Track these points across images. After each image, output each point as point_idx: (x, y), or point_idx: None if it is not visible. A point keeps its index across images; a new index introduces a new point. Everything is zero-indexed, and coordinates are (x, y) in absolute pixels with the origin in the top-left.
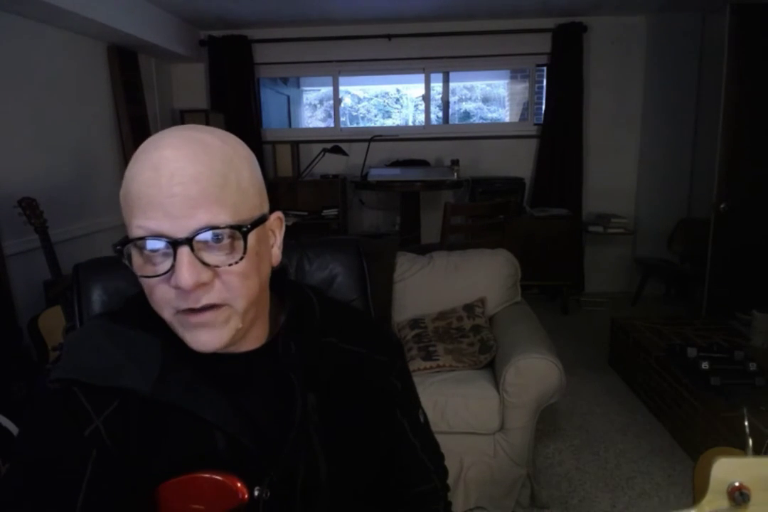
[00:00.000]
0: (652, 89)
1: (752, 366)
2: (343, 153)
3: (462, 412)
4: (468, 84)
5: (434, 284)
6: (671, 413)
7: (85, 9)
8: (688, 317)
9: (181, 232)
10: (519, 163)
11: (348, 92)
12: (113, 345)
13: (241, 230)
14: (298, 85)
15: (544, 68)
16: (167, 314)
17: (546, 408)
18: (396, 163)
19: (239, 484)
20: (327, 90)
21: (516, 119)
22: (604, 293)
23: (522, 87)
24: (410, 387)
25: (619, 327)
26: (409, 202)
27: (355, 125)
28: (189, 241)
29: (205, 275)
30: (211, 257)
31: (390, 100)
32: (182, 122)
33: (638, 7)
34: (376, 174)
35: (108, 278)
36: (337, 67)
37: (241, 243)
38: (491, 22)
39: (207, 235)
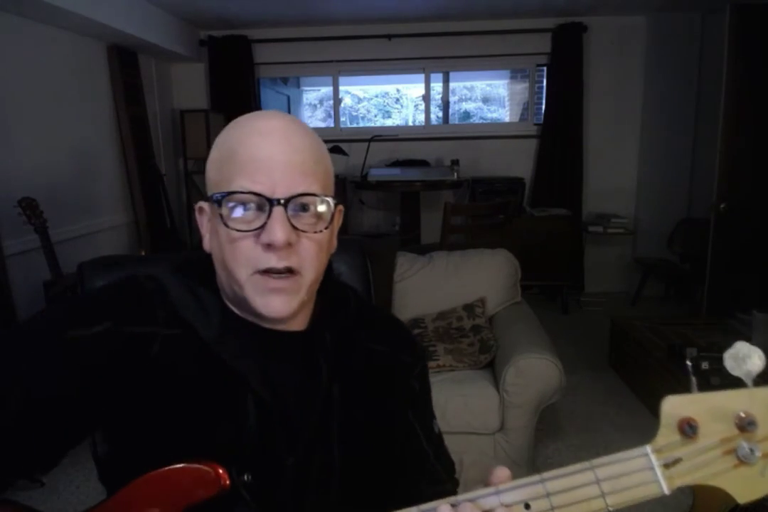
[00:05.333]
0: (651, 89)
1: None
2: (343, 153)
3: (462, 412)
4: (468, 84)
5: (434, 284)
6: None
7: (85, 9)
8: (688, 317)
9: (278, 193)
10: (519, 163)
11: (348, 92)
12: (188, 293)
13: (330, 201)
14: (298, 85)
15: (544, 68)
16: (243, 273)
17: (546, 408)
18: (396, 163)
19: (220, 470)
20: (327, 90)
21: (516, 119)
22: (604, 293)
23: (522, 87)
24: (427, 393)
25: (619, 327)
26: (409, 201)
27: (355, 125)
28: (285, 203)
29: (293, 236)
30: (299, 222)
31: (390, 100)
32: (182, 122)
33: (638, 7)
34: (376, 174)
35: (112, 276)
36: (337, 67)
37: (324, 214)
38: (491, 22)
39: (302, 200)
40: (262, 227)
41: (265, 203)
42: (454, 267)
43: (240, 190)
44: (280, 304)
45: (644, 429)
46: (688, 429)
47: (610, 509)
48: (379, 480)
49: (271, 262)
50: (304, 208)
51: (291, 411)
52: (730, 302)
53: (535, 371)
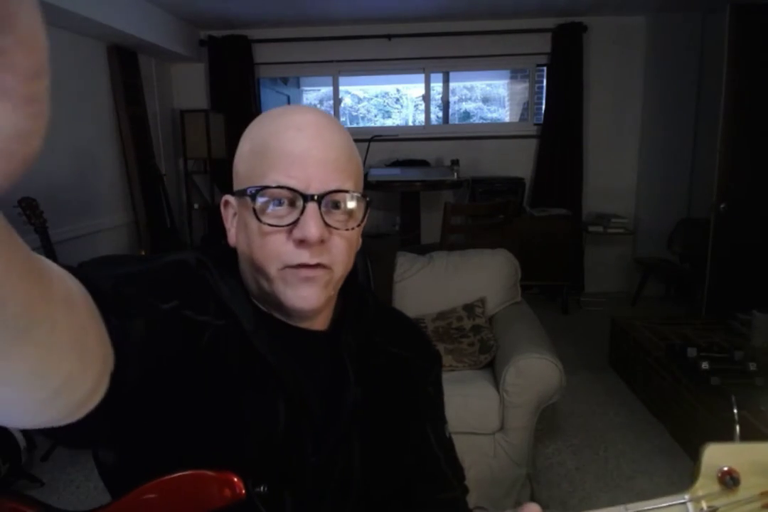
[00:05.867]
0: (651, 89)
1: (752, 366)
2: None
3: (462, 412)
4: (468, 84)
5: (434, 284)
6: (671, 413)
7: (85, 9)
8: (688, 317)
9: (312, 189)
10: (519, 162)
11: (348, 92)
12: (223, 283)
13: (364, 198)
14: (298, 85)
15: (544, 68)
16: (273, 268)
17: (546, 408)
18: (396, 163)
19: (235, 479)
20: (327, 90)
21: (516, 119)
22: (604, 293)
23: (522, 87)
24: (440, 397)
25: (619, 327)
26: (409, 201)
27: (355, 125)
28: (319, 199)
29: (326, 233)
30: (331, 219)
31: (390, 100)
32: (182, 122)
33: (638, 7)
34: (376, 174)
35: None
36: (337, 67)
37: (356, 212)
38: (491, 23)
39: (335, 196)
40: (295, 223)
41: (299, 198)
42: (454, 268)
43: (274, 184)
44: (311, 295)
45: (644, 430)
46: (729, 480)
47: None
48: (396, 486)
49: (303, 258)
50: (337, 205)
51: (318, 411)
52: (730, 302)
53: (535, 371)
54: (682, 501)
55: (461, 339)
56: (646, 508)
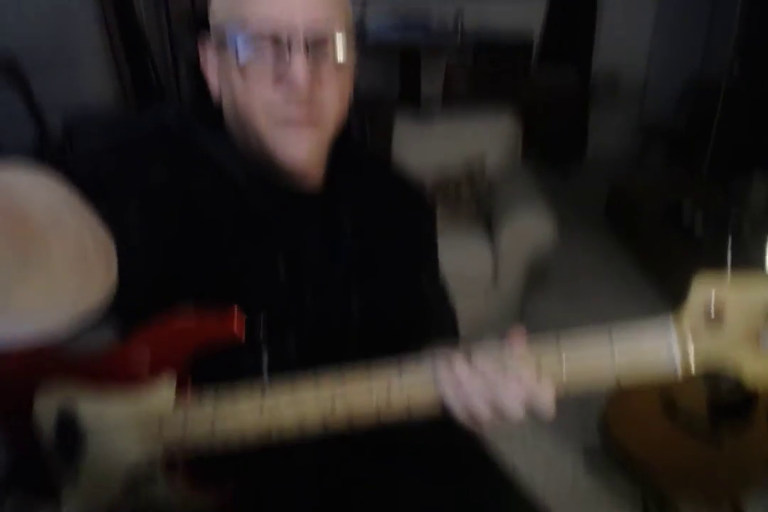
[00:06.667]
0: None
1: (747, 227)
2: None
3: (455, 269)
4: None
5: (434, 149)
6: (663, 272)
7: None
8: (687, 179)
9: (297, 22)
10: (528, 15)
11: None
12: (211, 137)
13: (350, 41)
14: None
15: None
16: (261, 121)
17: (538, 264)
18: (395, 23)
19: (236, 315)
20: None
21: None
22: (606, 157)
23: None
24: (434, 246)
25: (617, 188)
26: (409, 64)
27: None
28: (306, 45)
29: (314, 81)
30: (318, 68)
31: None
32: None
33: None
34: (375, 34)
35: (101, 135)
36: None
37: (344, 56)
38: None
39: (322, 33)
40: (282, 65)
41: (284, 34)
42: (454, 131)
43: (256, 17)
44: (302, 148)
45: (634, 285)
46: (715, 312)
47: (619, 382)
48: (393, 331)
49: (291, 110)
50: (323, 45)
51: (316, 263)
52: (733, 167)
53: (529, 228)
54: (666, 324)
55: (458, 199)
56: (629, 337)
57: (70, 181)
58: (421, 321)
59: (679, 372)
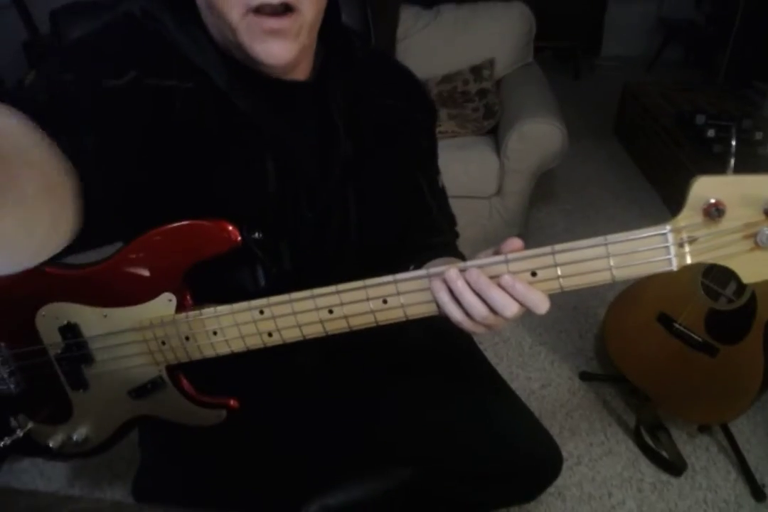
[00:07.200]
0: None
1: (758, 135)
2: None
3: (461, 177)
4: None
5: (440, 43)
6: (668, 181)
7: None
8: (703, 84)
9: None
10: None
11: None
12: (184, 34)
13: None
14: None
15: None
16: (236, 16)
17: (543, 173)
18: None
19: (230, 227)
20: None
21: None
22: (621, 57)
23: None
24: (434, 150)
25: (630, 92)
26: None
27: None
28: None
29: None
30: None
31: None
32: None
33: None
34: None
35: (90, 24)
36: None
37: None
38: None
39: None
40: None
41: None
42: (463, 23)
43: None
44: (281, 49)
45: (638, 197)
46: (714, 212)
47: (615, 281)
48: (392, 237)
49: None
50: None
51: (308, 167)
52: (751, 70)
53: (538, 136)
54: (663, 231)
55: (466, 104)
56: (624, 239)
57: (30, 108)
58: (419, 223)
59: (675, 268)
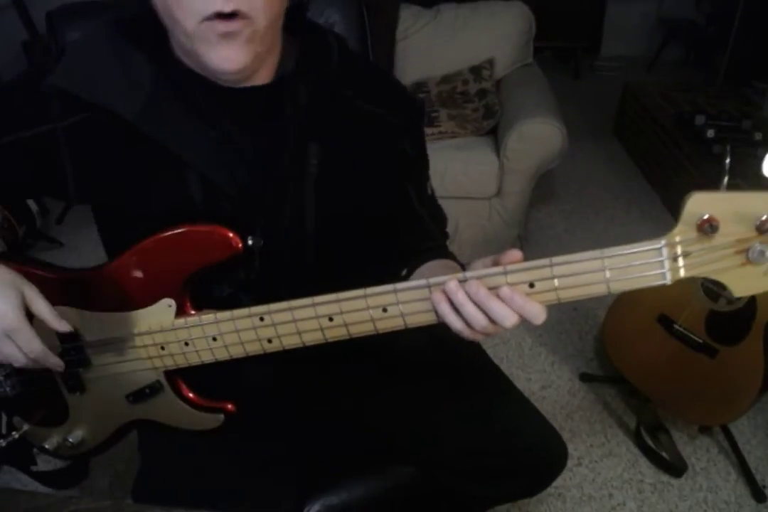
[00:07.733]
0: None
1: (758, 136)
2: None
3: (461, 178)
4: None
5: (440, 42)
6: (667, 182)
7: None
8: (703, 84)
9: None
10: None
11: None
12: (114, 58)
13: None
14: None
15: None
16: (191, 23)
17: (543, 174)
18: None
19: (231, 234)
20: None
21: None
22: (621, 57)
23: None
24: (423, 157)
25: (630, 92)
26: None
27: None
28: None
29: None
30: None
31: None
32: None
33: None
34: None
35: (86, 25)
36: None
37: None
38: None
39: None
40: None
41: None
42: (462, 23)
43: None
44: (234, 54)
45: (637, 197)
46: (708, 228)
47: (611, 293)
48: (357, 242)
49: (216, 5)
50: None
51: (245, 174)
52: (750, 70)
53: (537, 136)
54: (658, 246)
55: (465, 104)
56: (620, 253)
57: None
58: (409, 230)
59: (669, 282)
